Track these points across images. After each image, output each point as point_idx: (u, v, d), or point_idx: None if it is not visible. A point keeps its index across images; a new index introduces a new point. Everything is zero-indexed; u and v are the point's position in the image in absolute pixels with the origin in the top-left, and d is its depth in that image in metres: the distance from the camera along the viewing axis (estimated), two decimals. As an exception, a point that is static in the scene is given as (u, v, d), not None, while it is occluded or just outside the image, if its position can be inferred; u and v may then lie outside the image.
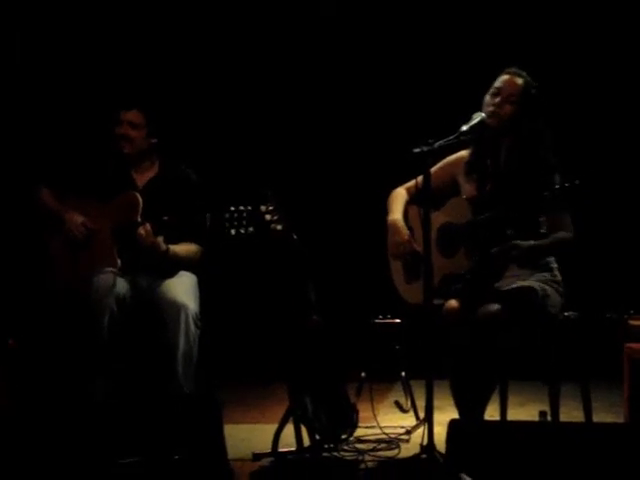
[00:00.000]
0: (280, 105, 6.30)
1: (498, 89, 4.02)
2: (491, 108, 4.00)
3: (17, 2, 5.86)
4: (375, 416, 4.57)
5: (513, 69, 4.07)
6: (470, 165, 4.13)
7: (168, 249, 4.25)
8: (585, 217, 4.06)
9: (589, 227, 4.16)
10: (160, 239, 4.22)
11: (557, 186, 3.73)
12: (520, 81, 4.02)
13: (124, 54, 6.09)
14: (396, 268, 4.26)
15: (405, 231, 4.11)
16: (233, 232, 4.01)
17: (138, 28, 6.12)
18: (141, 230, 4.15)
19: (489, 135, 4.04)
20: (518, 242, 3.86)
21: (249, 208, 4.01)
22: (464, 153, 4.18)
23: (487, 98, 4.04)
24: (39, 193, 4.38)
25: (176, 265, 4.33)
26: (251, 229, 3.99)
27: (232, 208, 4.01)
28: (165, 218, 4.17)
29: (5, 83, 5.83)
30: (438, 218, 4.07)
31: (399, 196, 4.26)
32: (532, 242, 3.87)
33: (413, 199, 4.23)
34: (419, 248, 4.02)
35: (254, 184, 4.25)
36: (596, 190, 3.71)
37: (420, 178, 3.86)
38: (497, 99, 4.01)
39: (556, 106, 4.55)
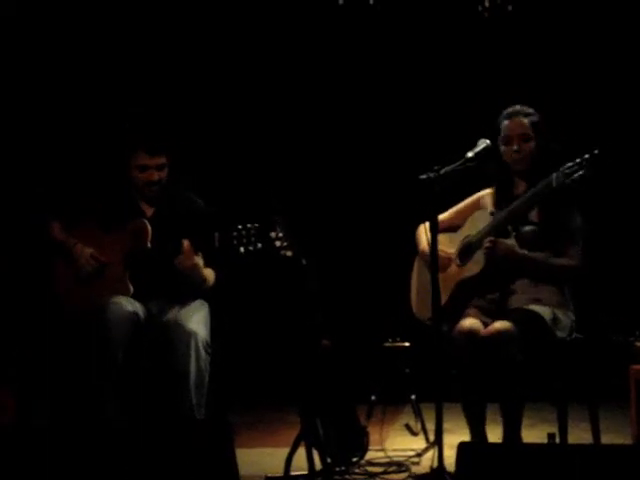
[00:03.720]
0: (290, 127, 6.32)
1: (509, 137, 4.10)
2: (514, 155, 4.10)
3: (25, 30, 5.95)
4: (383, 440, 4.59)
5: (510, 110, 4.14)
6: (497, 200, 4.21)
7: (204, 275, 4.26)
8: (591, 239, 4.11)
9: (595, 249, 4.20)
10: (200, 262, 4.22)
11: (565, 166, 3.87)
12: (525, 120, 4.10)
13: (130, 81, 6.12)
14: (419, 285, 4.32)
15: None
16: (242, 250, 4.05)
17: (141, 59, 6.17)
18: (180, 256, 4.15)
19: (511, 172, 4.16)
20: (506, 241, 3.98)
21: (256, 225, 4.06)
22: (486, 191, 4.28)
23: (503, 149, 4.12)
24: (49, 227, 4.40)
25: (199, 290, 4.33)
26: (260, 245, 4.04)
27: (239, 226, 4.06)
28: (185, 241, 4.17)
29: (17, 112, 5.89)
30: (460, 235, 4.22)
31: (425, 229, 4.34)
32: (526, 252, 3.98)
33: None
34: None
35: (263, 207, 4.29)
36: (612, 162, 3.84)
37: (441, 216, 4.08)
38: (513, 145, 4.09)
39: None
